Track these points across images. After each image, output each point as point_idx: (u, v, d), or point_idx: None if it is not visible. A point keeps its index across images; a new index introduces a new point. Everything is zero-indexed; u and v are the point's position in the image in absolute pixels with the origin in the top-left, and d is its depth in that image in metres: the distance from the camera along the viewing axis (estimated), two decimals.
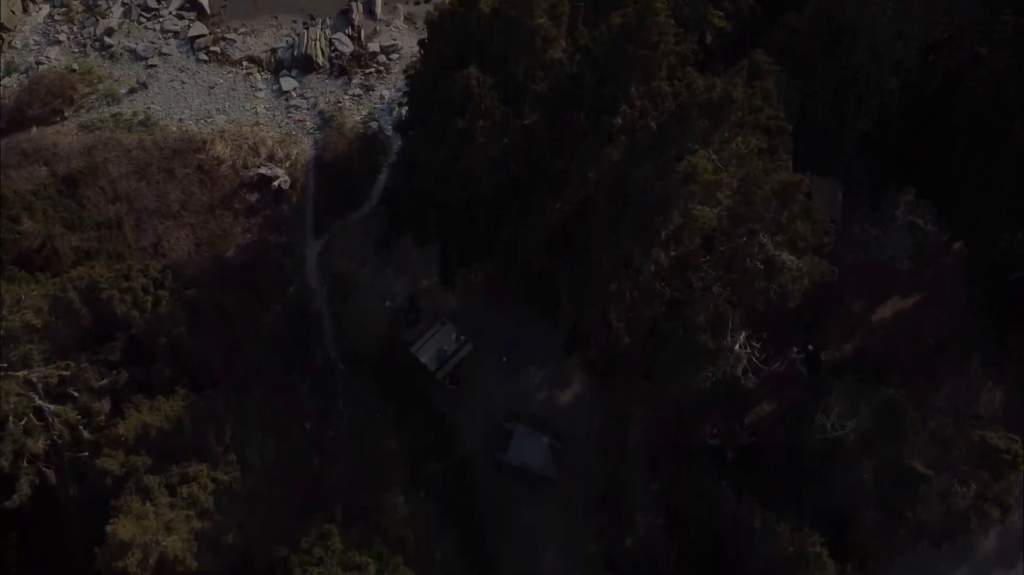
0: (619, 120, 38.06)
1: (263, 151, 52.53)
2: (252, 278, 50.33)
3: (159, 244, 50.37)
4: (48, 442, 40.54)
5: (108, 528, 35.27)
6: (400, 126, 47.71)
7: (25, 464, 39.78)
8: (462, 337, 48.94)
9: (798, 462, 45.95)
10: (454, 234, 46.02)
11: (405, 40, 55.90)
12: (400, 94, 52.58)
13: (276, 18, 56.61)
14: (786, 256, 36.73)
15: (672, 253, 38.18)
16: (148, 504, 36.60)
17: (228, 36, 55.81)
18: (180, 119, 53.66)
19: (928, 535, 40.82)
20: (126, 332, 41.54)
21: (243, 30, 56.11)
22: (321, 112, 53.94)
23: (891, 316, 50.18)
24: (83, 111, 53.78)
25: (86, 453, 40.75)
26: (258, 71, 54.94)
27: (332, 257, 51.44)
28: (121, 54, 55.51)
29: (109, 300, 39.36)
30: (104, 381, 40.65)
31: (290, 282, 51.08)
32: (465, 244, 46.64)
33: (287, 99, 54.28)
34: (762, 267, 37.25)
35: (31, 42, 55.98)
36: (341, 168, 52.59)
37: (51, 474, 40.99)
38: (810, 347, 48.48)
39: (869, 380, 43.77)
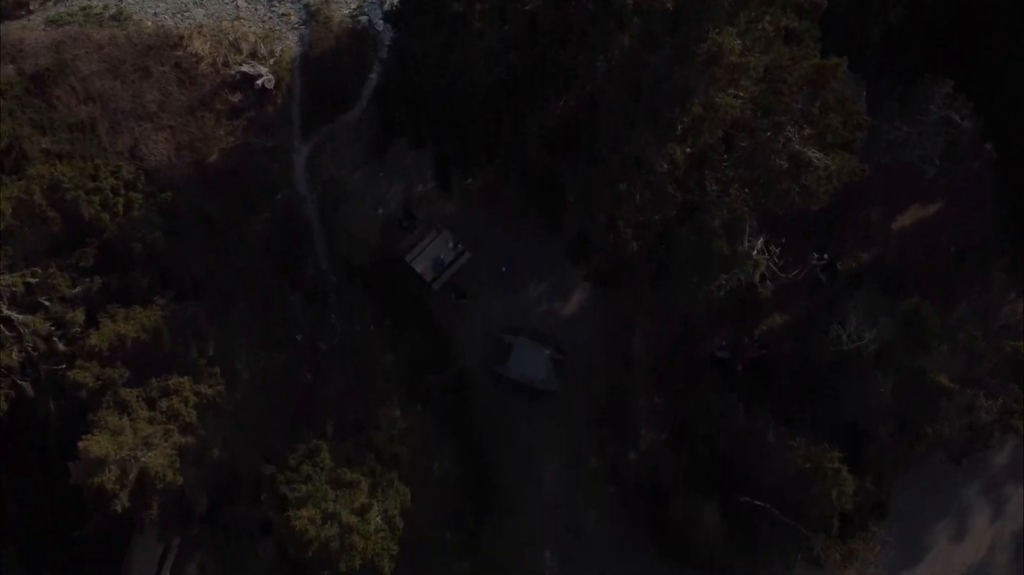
0: (631, 0, 33.20)
1: (245, 48, 47.42)
2: (236, 184, 45.99)
3: (136, 147, 45.69)
4: (22, 354, 36.93)
5: (80, 444, 31.94)
6: (391, 17, 42.66)
7: None
8: (459, 246, 45.00)
9: (811, 375, 42.75)
10: (450, 135, 41.58)
11: None
12: None
13: None
14: (813, 153, 32.46)
15: (688, 149, 33.88)
16: (125, 418, 33.19)
17: None
18: (155, 13, 48.31)
19: (948, 450, 37.87)
20: (98, 237, 37.45)
21: None
22: (306, 5, 48.64)
23: (911, 224, 46.24)
24: (50, 4, 48.31)
25: (63, 366, 37.14)
26: None
27: (321, 162, 46.99)
28: None
29: (75, 201, 35.11)
30: (77, 289, 36.79)
31: (277, 189, 46.73)
32: (462, 145, 42.23)
33: None
34: (786, 165, 33.01)
35: None
36: (329, 66, 47.59)
37: (28, 387, 37.52)
38: (825, 256, 44.63)
39: (888, 290, 40.12)
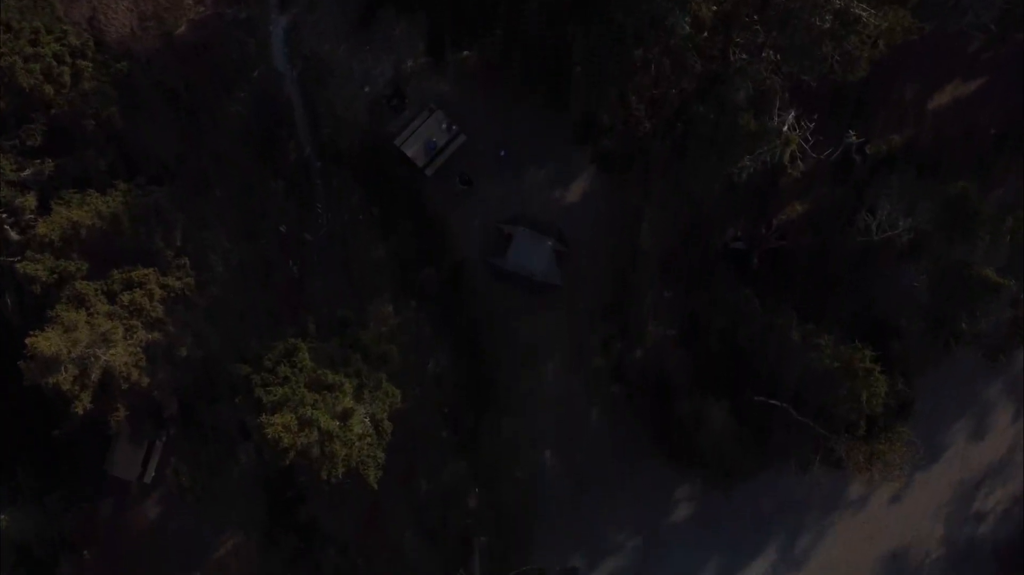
0: None
1: None
2: (207, 59, 40.06)
3: (94, 17, 39.48)
4: None
5: (27, 341, 27.52)
6: None
7: None
8: (454, 127, 39.47)
9: (833, 269, 38.16)
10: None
11: None
12: None
13: None
14: (861, 8, 26.66)
15: (715, 7, 28.02)
16: (82, 313, 28.67)
17: None
18: None
19: (984, 346, 33.59)
20: (45, 113, 32.00)
21: None
22: None
23: (948, 103, 40.52)
24: None
25: (18, 258, 32.33)
26: None
27: (301, 35, 40.89)
28: None
29: (11, 70, 29.48)
30: (26, 172, 31.71)
31: (253, 65, 40.80)
32: (457, 12, 36.31)
33: None
34: (828, 24, 27.26)
35: None
36: None
37: None
38: (854, 135, 39.17)
39: (921, 174, 34.99)
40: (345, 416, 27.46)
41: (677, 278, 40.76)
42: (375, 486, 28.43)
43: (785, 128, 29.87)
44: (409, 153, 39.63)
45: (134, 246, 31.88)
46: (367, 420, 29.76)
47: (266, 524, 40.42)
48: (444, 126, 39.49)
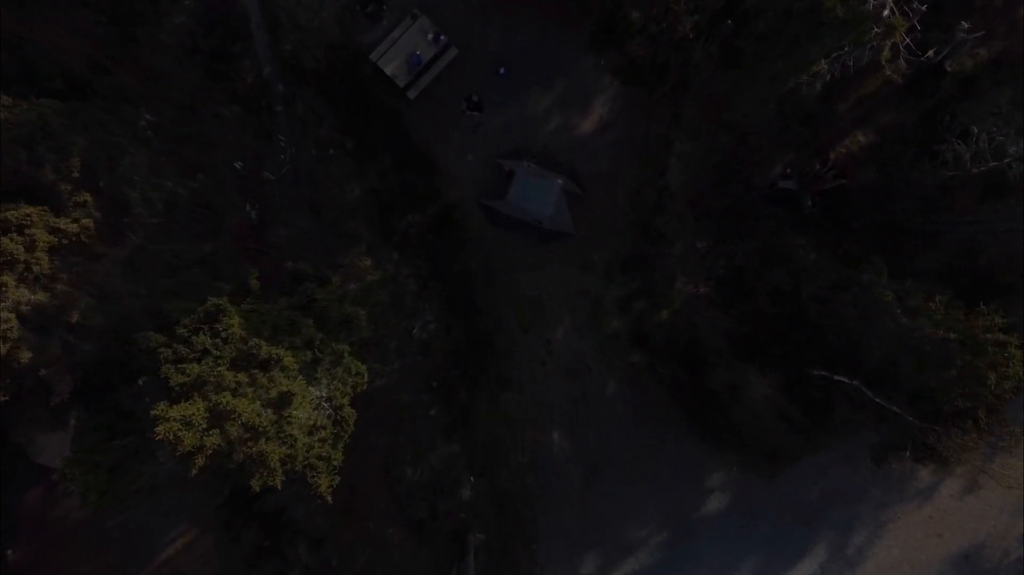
0: None
1: None
2: None
3: None
4: None
5: None
6: None
7: None
8: (442, 37, 29.98)
9: (905, 212, 29.03)
10: None
11: None
12: None
13: None
14: None
15: None
16: None
17: None
18: None
19: None
20: None
21: None
22: None
23: None
24: None
25: None
26: None
27: None
28: None
29: None
30: None
31: None
32: None
33: None
34: None
35: None
36: None
37: None
38: (966, 30, 29.61)
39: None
40: (283, 403, 18.66)
41: (712, 225, 31.67)
42: (328, 498, 19.78)
43: (885, 13, 20.41)
44: (388, 70, 30.27)
45: (19, 178, 22.65)
46: (326, 405, 20.91)
47: (225, 515, 32.13)
48: (430, 36, 30.03)
